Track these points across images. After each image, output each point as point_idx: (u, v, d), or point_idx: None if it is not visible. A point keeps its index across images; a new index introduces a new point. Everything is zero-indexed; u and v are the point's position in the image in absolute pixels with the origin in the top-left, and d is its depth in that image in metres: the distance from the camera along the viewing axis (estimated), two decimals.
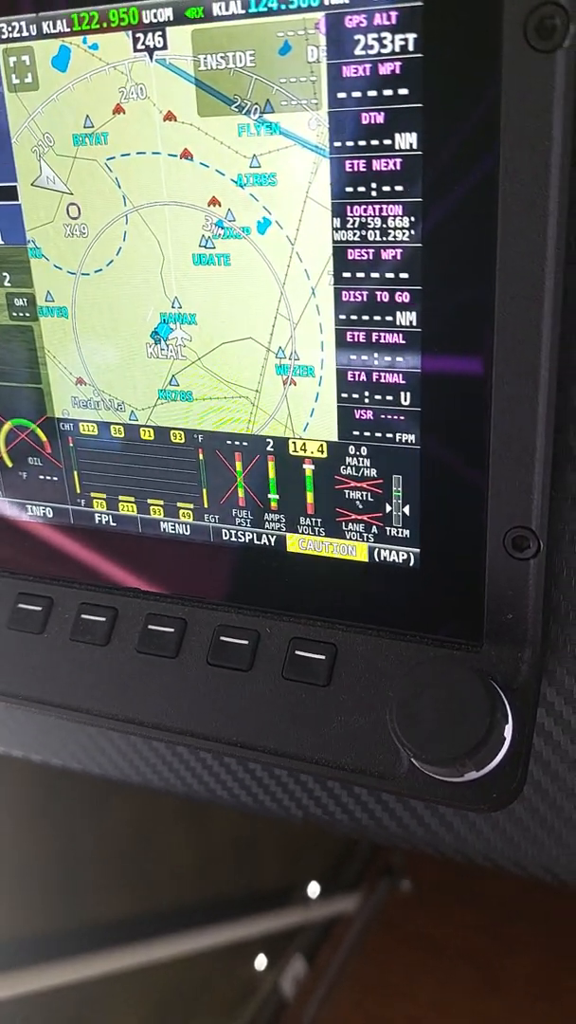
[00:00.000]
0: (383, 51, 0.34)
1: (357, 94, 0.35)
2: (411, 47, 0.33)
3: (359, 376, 0.39)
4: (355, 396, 0.40)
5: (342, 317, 0.39)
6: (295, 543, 0.44)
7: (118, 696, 0.47)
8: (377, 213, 0.36)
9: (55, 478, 0.48)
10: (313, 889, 1.94)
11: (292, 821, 0.54)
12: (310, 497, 0.43)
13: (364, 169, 0.36)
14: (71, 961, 1.40)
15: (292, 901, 1.87)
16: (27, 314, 0.45)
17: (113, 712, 0.47)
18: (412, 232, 0.36)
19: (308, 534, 0.43)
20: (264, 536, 0.44)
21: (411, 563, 0.42)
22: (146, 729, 0.46)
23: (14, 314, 0.45)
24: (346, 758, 0.42)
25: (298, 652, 0.44)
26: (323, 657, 0.44)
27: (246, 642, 0.45)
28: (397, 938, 1.90)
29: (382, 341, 0.38)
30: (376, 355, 0.39)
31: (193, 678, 0.46)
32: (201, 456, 0.44)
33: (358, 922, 1.94)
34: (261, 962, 1.83)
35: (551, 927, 1.80)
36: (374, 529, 0.42)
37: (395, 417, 0.39)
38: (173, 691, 0.46)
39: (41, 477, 0.48)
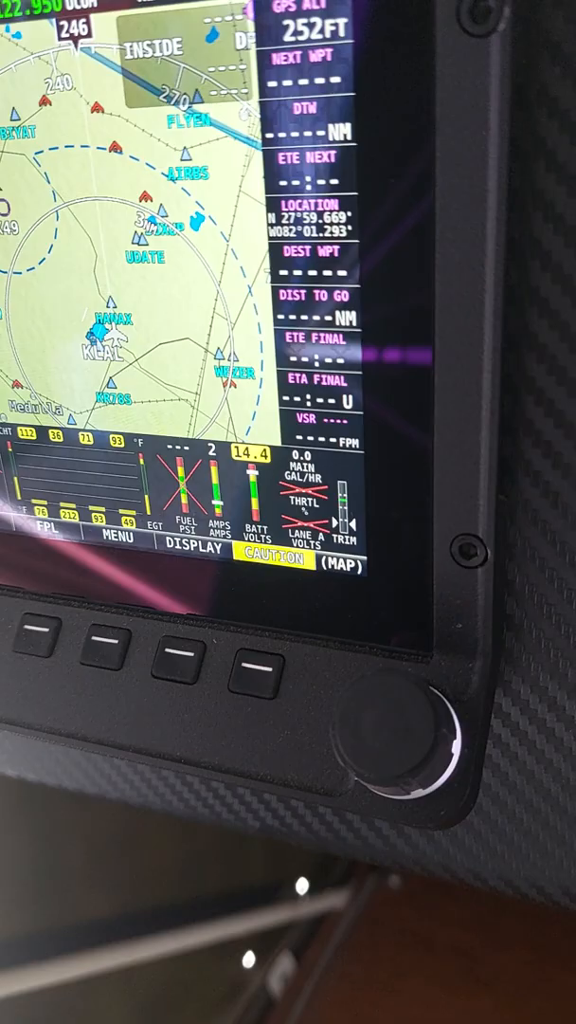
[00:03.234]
0: (313, 37, 0.32)
1: (288, 82, 0.33)
2: (342, 32, 0.32)
3: (300, 378, 0.38)
4: (297, 399, 0.38)
5: (280, 317, 0.37)
6: (241, 551, 0.42)
7: (60, 709, 0.46)
8: (313, 208, 0.35)
9: None
10: (302, 886, 1.93)
11: (248, 833, 0.53)
12: (255, 503, 0.41)
13: (298, 161, 0.34)
14: (55, 962, 1.39)
15: (281, 898, 1.86)
16: None
17: (56, 727, 0.45)
18: (349, 227, 0.34)
19: (254, 541, 0.42)
20: (209, 544, 0.43)
21: (358, 571, 0.40)
22: (90, 744, 0.45)
23: None
24: (291, 774, 0.41)
25: (244, 664, 0.43)
26: (270, 669, 0.42)
27: (192, 654, 0.44)
28: (385, 934, 1.89)
29: (322, 342, 0.37)
30: (316, 356, 0.37)
31: (137, 691, 0.44)
32: (142, 461, 0.42)
33: (346, 919, 1.93)
34: (249, 960, 1.82)
35: (539, 921, 1.79)
36: (321, 536, 0.40)
37: (338, 421, 0.38)
38: (116, 704, 0.45)
39: None
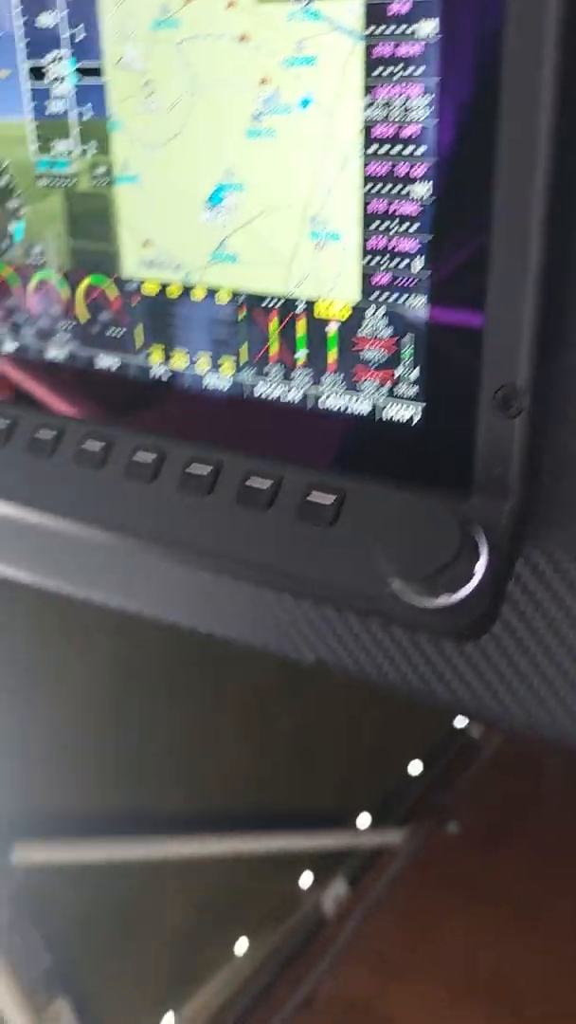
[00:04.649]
0: None
1: None
2: None
3: (379, 243, 0.45)
4: (375, 261, 0.45)
5: (367, 188, 0.44)
6: (318, 397, 0.50)
7: (159, 529, 0.54)
8: (401, 93, 0.41)
9: (121, 333, 0.55)
10: (363, 820, 2.01)
11: (302, 661, 0.60)
12: (332, 356, 0.49)
13: (391, 53, 0.41)
14: (126, 841, 1.51)
15: (343, 827, 1.95)
16: (105, 182, 0.52)
17: (154, 541, 0.54)
18: (430, 110, 0.41)
19: (330, 389, 0.49)
20: (292, 391, 0.51)
21: (416, 419, 0.47)
22: (178, 558, 0.53)
23: (94, 182, 0.52)
24: (338, 587, 0.48)
25: (311, 496, 0.50)
26: (330, 502, 0.50)
27: (267, 486, 0.51)
28: (439, 875, 1.96)
29: (400, 211, 0.44)
30: (394, 224, 0.44)
31: (221, 517, 0.52)
32: (242, 315, 0.50)
33: (403, 856, 2.01)
34: (306, 880, 1.92)
35: None
36: (386, 387, 0.47)
37: (408, 282, 0.45)
38: (204, 528, 0.53)
39: (109, 332, 0.56)
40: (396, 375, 0.47)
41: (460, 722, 2.17)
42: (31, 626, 1.36)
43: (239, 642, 0.64)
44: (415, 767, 2.12)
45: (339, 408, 0.49)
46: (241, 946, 1.80)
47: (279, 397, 0.51)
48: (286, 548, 0.50)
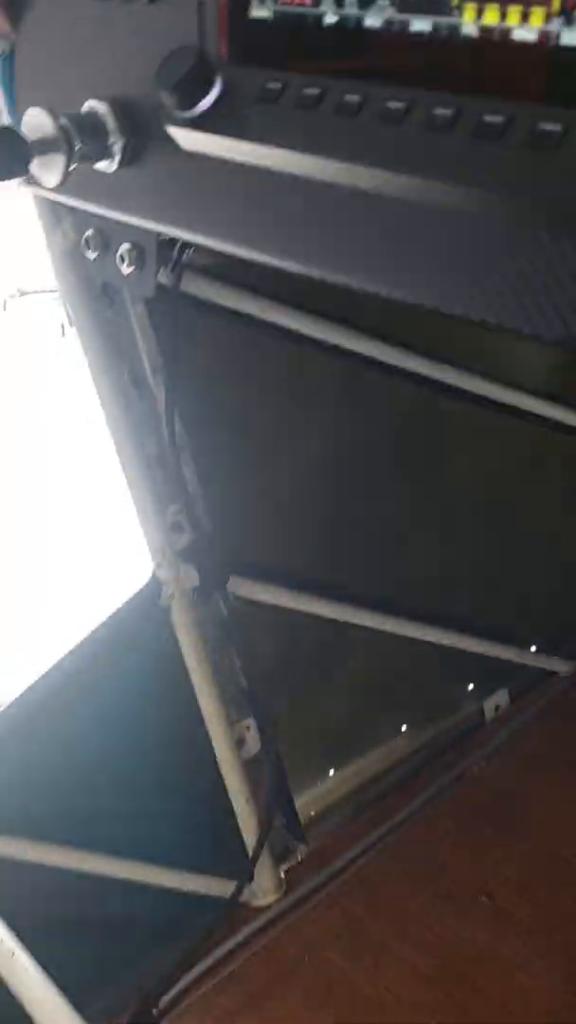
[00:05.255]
0: None
1: None
2: None
3: None
4: None
5: None
6: None
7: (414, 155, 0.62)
8: None
9: None
10: (532, 648, 2.10)
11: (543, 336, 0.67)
12: None
13: None
14: (322, 600, 1.67)
15: (513, 644, 2.04)
16: None
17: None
18: None
19: None
20: None
21: None
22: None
23: None
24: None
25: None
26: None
27: (502, 121, 0.58)
28: None
29: None
30: None
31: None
32: None
33: (567, 682, 2.09)
34: (471, 687, 2.04)
35: None
36: None
37: None
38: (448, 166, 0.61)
39: None
40: None
41: None
42: (274, 393, 1.50)
43: (484, 319, 0.71)
44: None
45: None
46: (403, 729, 1.95)
47: None
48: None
